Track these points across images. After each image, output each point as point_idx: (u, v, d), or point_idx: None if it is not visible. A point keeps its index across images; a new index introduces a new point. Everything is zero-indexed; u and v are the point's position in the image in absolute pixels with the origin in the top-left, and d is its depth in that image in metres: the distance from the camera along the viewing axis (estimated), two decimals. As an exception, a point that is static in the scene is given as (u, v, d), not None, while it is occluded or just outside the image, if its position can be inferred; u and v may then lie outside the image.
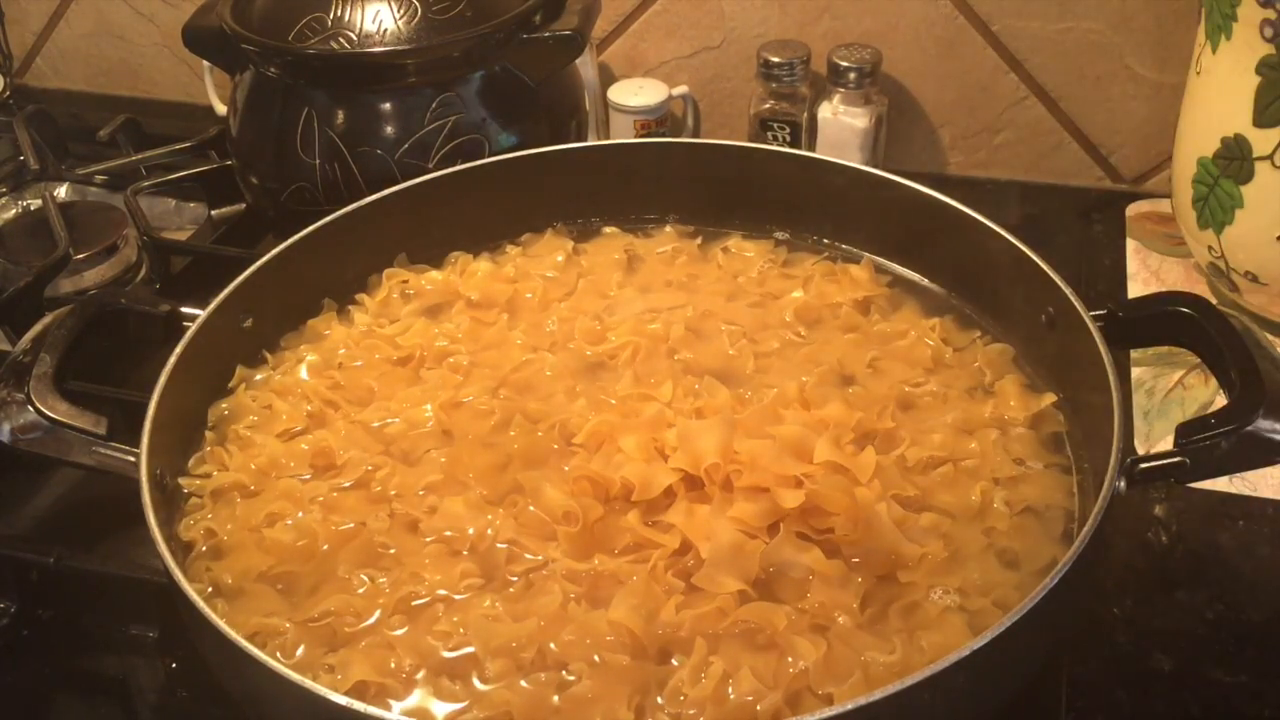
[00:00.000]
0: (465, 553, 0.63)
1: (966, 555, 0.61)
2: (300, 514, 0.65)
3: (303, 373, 0.75)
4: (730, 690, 0.55)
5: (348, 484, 0.67)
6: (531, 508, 0.64)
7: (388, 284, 0.82)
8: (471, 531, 0.63)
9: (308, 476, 0.68)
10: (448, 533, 0.64)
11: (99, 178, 1.14)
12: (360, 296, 0.82)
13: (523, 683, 0.56)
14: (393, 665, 0.57)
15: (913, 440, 0.67)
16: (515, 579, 0.61)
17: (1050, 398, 0.70)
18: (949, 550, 0.61)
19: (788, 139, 1.06)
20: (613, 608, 0.57)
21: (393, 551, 0.63)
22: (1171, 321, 0.66)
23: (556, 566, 0.61)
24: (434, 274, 0.83)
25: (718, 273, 0.83)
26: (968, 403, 0.71)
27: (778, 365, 0.74)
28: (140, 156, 1.13)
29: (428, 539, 0.63)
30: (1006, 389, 0.71)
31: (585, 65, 1.04)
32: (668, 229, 0.87)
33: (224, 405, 0.73)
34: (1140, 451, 0.80)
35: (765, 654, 0.56)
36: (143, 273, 1.01)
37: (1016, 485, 0.65)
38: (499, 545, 0.63)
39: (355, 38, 0.91)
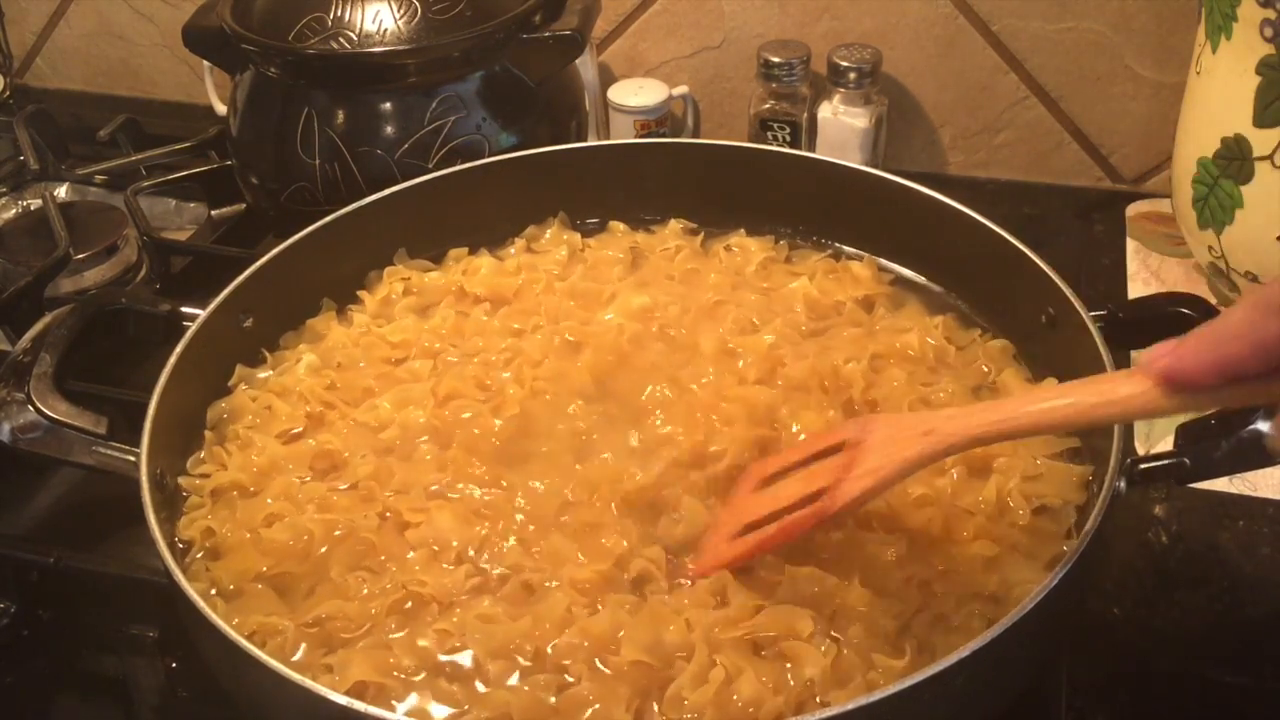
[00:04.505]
0: (464, 554, 0.63)
1: (1000, 559, 0.61)
2: (299, 515, 0.65)
3: (301, 373, 0.75)
4: (734, 696, 0.54)
5: (346, 485, 0.67)
6: (524, 502, 0.65)
7: (388, 282, 0.82)
8: (473, 532, 0.63)
9: (307, 477, 0.68)
10: (447, 534, 0.63)
11: (99, 178, 1.14)
12: (360, 294, 0.82)
13: (522, 685, 0.56)
14: (392, 666, 0.57)
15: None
16: (515, 581, 0.61)
17: (1050, 381, 0.69)
18: (986, 555, 0.61)
19: (788, 139, 1.06)
20: (625, 644, 0.57)
21: (392, 552, 0.63)
22: (1171, 322, 0.66)
23: (562, 573, 0.61)
24: (435, 273, 0.83)
25: (720, 268, 0.83)
26: (981, 400, 0.71)
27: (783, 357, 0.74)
28: (140, 156, 1.13)
29: (428, 540, 0.63)
30: (1009, 383, 0.71)
31: (585, 65, 1.04)
32: (670, 225, 0.87)
33: (223, 405, 0.73)
34: (1140, 451, 0.80)
35: (769, 659, 0.56)
36: (143, 273, 1.01)
37: (1035, 482, 0.65)
38: (499, 546, 0.63)
39: (355, 38, 0.91)
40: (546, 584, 0.61)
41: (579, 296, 0.80)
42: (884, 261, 0.83)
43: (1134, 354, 0.86)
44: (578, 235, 0.86)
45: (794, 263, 0.84)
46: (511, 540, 0.63)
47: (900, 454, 0.53)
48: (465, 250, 0.85)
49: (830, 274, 0.81)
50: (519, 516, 0.64)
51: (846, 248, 0.85)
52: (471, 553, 0.62)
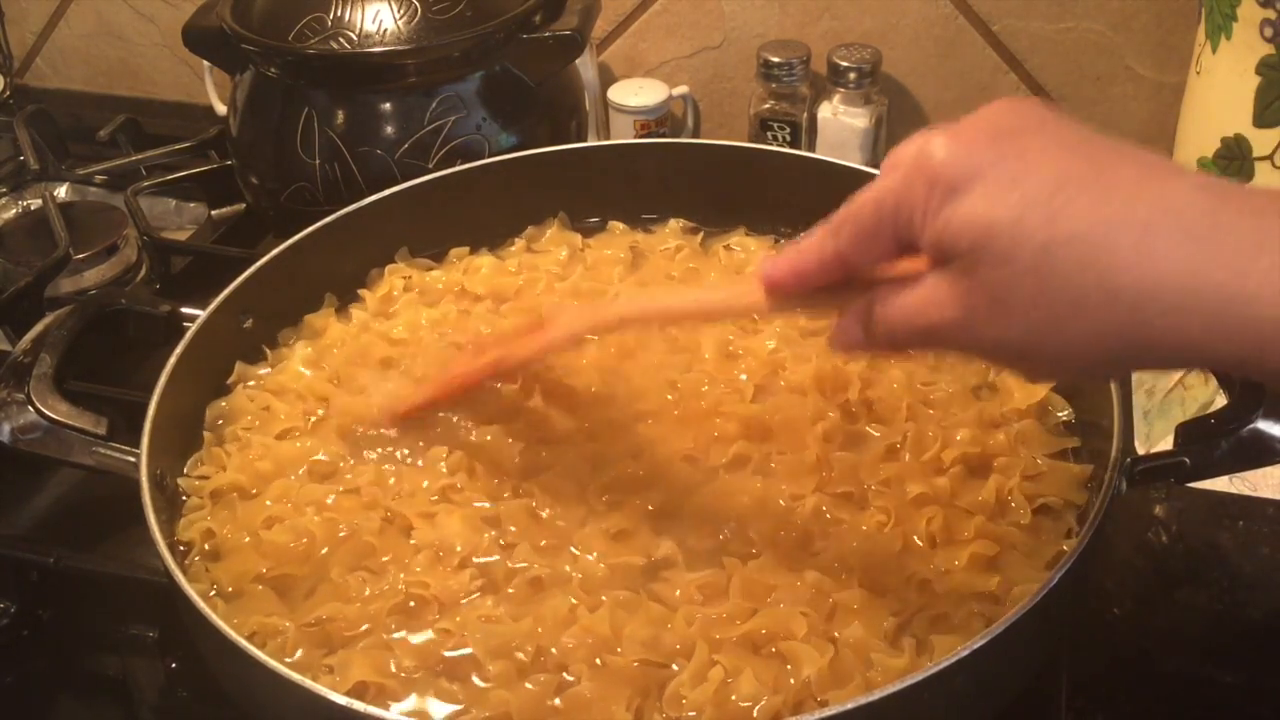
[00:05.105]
0: (468, 559, 0.62)
1: (1000, 559, 0.61)
2: (299, 517, 0.65)
3: (301, 367, 0.75)
4: (732, 695, 0.54)
5: (345, 486, 0.67)
6: (534, 505, 0.64)
7: (389, 280, 0.82)
8: (479, 538, 0.63)
9: (305, 478, 0.68)
10: (452, 538, 0.63)
11: (99, 178, 1.14)
12: (362, 292, 0.82)
13: (522, 684, 0.56)
14: (392, 666, 0.57)
15: (944, 442, 0.67)
16: (522, 578, 0.61)
17: (1050, 381, 0.70)
18: (986, 555, 0.60)
19: (788, 139, 1.06)
20: (625, 642, 0.57)
21: (394, 554, 0.63)
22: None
23: (571, 571, 0.61)
24: (436, 272, 0.83)
25: (720, 267, 0.83)
26: (980, 399, 0.71)
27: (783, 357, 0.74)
28: (140, 156, 1.13)
29: (432, 543, 0.63)
30: (1008, 382, 0.71)
31: (585, 65, 1.04)
32: (670, 225, 0.87)
33: (222, 405, 0.73)
34: (1140, 451, 0.80)
35: (767, 658, 0.56)
36: (143, 273, 1.01)
37: (1036, 481, 0.65)
38: (505, 548, 0.63)
39: (355, 38, 0.91)
40: (555, 581, 0.60)
41: (581, 297, 0.80)
42: (884, 261, 0.83)
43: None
44: (578, 235, 0.86)
45: None
46: (520, 543, 0.63)
47: (570, 326, 0.62)
48: (466, 250, 0.85)
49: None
50: (527, 520, 0.64)
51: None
52: (477, 558, 0.62)
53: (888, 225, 0.45)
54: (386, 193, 0.82)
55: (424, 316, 0.79)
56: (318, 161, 0.91)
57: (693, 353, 0.74)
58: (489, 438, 0.68)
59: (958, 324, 0.44)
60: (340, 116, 0.90)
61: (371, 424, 0.70)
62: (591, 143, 1.06)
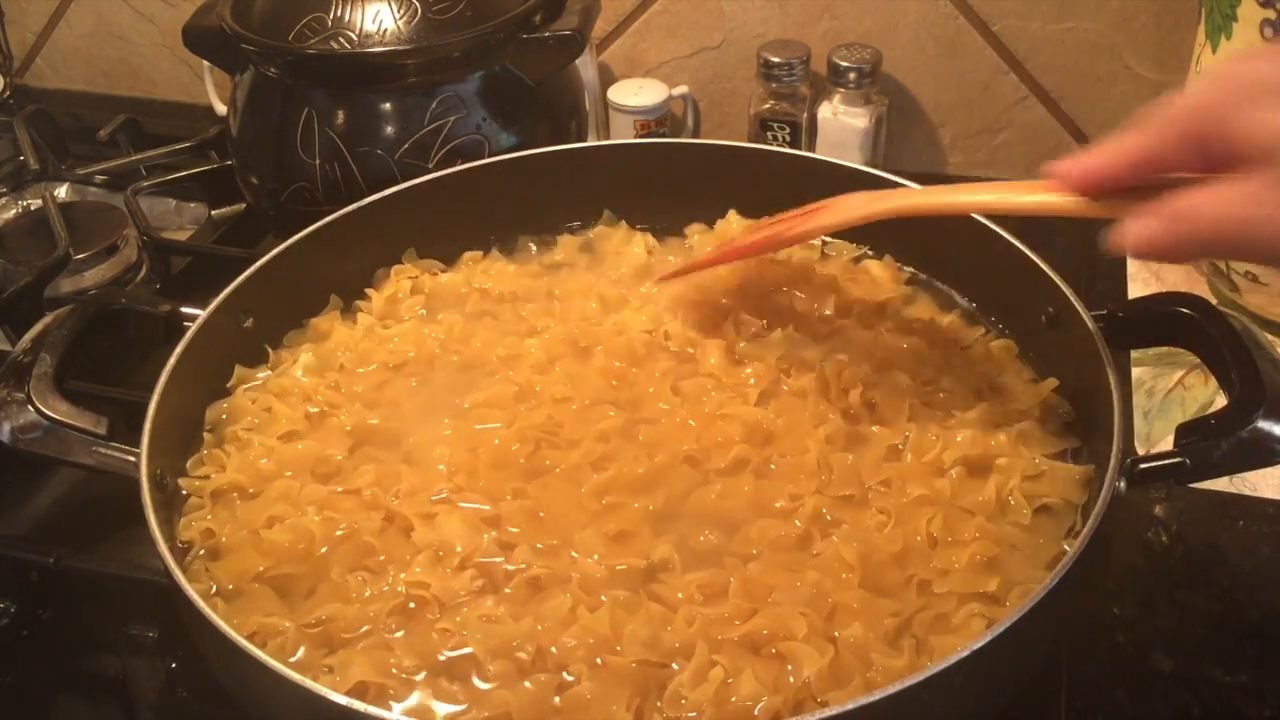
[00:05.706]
0: (466, 555, 0.62)
1: (1000, 559, 0.61)
2: (298, 516, 0.65)
3: (301, 374, 0.75)
4: (733, 695, 0.54)
5: (345, 487, 0.67)
6: (534, 504, 0.64)
7: (395, 280, 0.82)
8: (480, 539, 0.63)
9: (306, 479, 0.68)
10: (453, 539, 0.63)
11: (99, 178, 1.14)
12: (369, 291, 0.82)
13: (523, 683, 0.56)
14: (392, 666, 0.57)
15: (945, 443, 0.67)
16: (521, 578, 0.61)
17: (1052, 382, 0.70)
18: (986, 555, 0.60)
19: (788, 139, 1.06)
20: (625, 642, 0.57)
21: (394, 554, 0.63)
22: (1171, 322, 0.66)
23: (572, 570, 0.61)
24: (446, 275, 0.83)
25: (728, 269, 0.83)
26: (982, 400, 0.71)
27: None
28: (140, 156, 1.13)
29: (433, 544, 0.63)
30: (1011, 383, 0.71)
31: (585, 65, 1.04)
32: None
33: (223, 405, 0.73)
34: (1140, 451, 0.80)
35: (767, 659, 0.56)
36: (143, 273, 1.01)
37: (1036, 482, 0.65)
38: (503, 546, 0.63)
39: (355, 38, 0.91)
40: (555, 581, 0.60)
41: (593, 299, 0.80)
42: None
43: (1134, 354, 0.87)
44: (583, 238, 0.86)
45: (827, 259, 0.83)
46: (520, 544, 0.63)
47: (852, 211, 0.67)
48: (480, 254, 0.85)
49: (850, 279, 0.81)
50: (527, 521, 0.64)
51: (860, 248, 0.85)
52: (477, 559, 0.62)
53: (1208, 130, 0.49)
54: (386, 192, 0.82)
55: (427, 330, 0.79)
56: (318, 161, 0.91)
57: (699, 360, 0.74)
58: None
59: (1256, 219, 0.47)
60: (340, 116, 0.90)
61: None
62: (591, 143, 1.06)
